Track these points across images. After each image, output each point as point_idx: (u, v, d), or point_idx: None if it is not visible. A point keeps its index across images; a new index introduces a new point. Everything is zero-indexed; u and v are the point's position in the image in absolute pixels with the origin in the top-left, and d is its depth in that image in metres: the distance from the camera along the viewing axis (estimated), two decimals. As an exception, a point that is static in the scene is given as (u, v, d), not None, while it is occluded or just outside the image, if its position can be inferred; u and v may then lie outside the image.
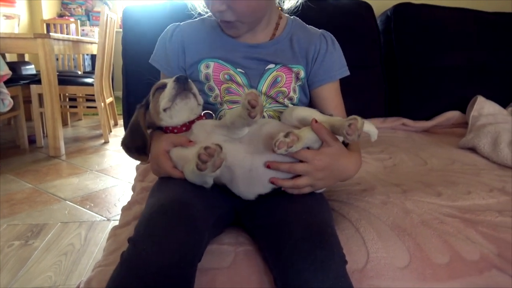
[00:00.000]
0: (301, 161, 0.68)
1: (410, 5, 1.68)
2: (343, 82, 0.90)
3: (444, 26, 1.67)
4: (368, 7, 1.61)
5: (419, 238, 0.71)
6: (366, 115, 1.56)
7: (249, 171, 0.68)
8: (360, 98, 1.51)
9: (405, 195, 0.86)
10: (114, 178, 2.30)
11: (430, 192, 0.88)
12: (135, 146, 0.74)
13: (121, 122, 3.75)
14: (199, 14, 0.92)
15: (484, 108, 1.46)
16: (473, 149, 1.26)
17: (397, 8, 1.67)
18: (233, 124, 0.66)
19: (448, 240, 0.71)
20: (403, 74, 1.63)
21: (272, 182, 0.68)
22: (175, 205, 0.59)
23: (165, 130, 0.76)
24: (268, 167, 0.68)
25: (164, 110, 0.72)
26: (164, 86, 0.74)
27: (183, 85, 0.71)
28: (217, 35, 0.85)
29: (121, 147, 0.77)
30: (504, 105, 1.51)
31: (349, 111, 0.91)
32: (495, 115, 1.42)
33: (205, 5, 0.84)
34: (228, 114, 0.66)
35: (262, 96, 0.84)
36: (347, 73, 0.89)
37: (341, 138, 0.71)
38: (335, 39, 0.90)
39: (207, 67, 0.84)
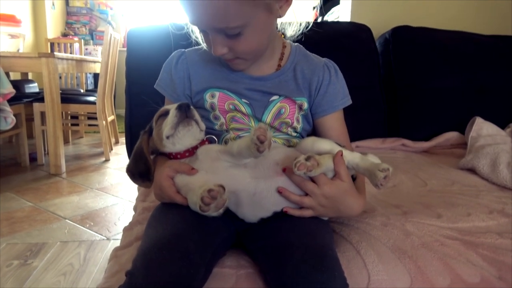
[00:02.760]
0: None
1: (408, 28, 1.71)
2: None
3: (442, 48, 1.70)
4: (367, 30, 1.65)
5: (420, 260, 0.71)
6: (365, 135, 1.60)
7: (253, 195, 0.69)
8: (360, 118, 1.53)
9: (405, 216, 0.86)
10: (114, 197, 2.30)
11: (430, 214, 0.89)
12: (139, 172, 0.75)
13: (122, 139, 3.77)
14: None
15: (483, 129, 1.47)
16: (472, 170, 1.26)
17: (395, 30, 1.71)
18: (240, 155, 0.67)
19: (449, 263, 0.71)
20: (402, 94, 1.65)
21: (279, 191, 0.69)
22: (172, 239, 0.60)
23: (168, 155, 0.77)
24: (279, 192, 0.70)
25: (167, 137, 0.74)
26: (167, 113, 0.75)
27: (185, 113, 0.72)
28: (222, 65, 0.87)
29: (126, 173, 0.78)
30: (502, 126, 1.53)
31: (349, 131, 0.93)
32: (493, 136, 1.44)
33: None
34: (236, 144, 0.67)
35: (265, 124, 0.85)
36: (350, 102, 0.91)
37: (352, 171, 0.74)
38: (338, 69, 0.91)
39: (213, 96, 0.85)
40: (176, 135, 0.73)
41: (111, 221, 1.95)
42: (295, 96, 0.86)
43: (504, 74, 1.72)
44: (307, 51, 0.94)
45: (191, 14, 0.71)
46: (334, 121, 0.90)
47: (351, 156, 0.72)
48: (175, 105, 0.73)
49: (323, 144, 0.75)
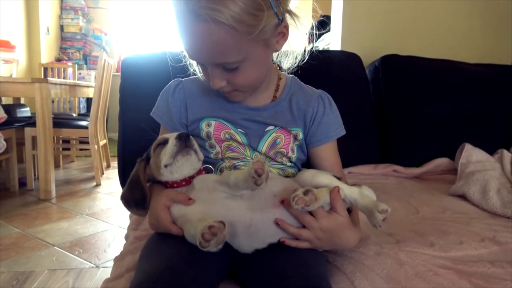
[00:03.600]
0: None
1: (396, 56, 1.76)
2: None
3: (430, 76, 1.74)
4: (357, 58, 1.69)
5: (414, 291, 0.71)
6: (357, 161, 1.60)
7: (249, 226, 0.69)
8: (352, 144, 1.53)
9: (399, 245, 0.86)
10: (105, 223, 2.27)
11: (423, 242, 0.89)
12: (134, 200, 0.75)
13: (114, 164, 3.74)
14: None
15: (472, 155, 1.50)
16: (463, 196, 1.27)
17: (384, 59, 1.75)
18: (237, 187, 0.67)
19: (442, 293, 0.71)
20: (393, 121, 1.68)
21: (277, 223, 0.69)
22: (166, 273, 0.59)
23: (164, 184, 0.77)
24: (277, 223, 0.70)
25: (165, 166, 0.74)
26: (165, 142, 0.75)
27: (184, 142, 0.73)
28: (218, 95, 0.88)
29: (120, 201, 0.77)
30: (490, 152, 1.55)
31: (341, 157, 0.94)
32: (483, 162, 1.46)
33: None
34: (233, 176, 0.68)
35: (261, 156, 0.86)
36: (343, 132, 0.92)
37: (348, 204, 0.75)
38: (332, 100, 0.93)
39: (209, 125, 0.86)
40: (174, 164, 0.73)
41: (101, 248, 1.91)
42: (290, 127, 0.87)
43: (491, 101, 1.77)
44: (302, 83, 0.96)
45: (190, 49, 0.73)
46: (328, 151, 0.91)
47: (350, 191, 0.73)
48: (175, 134, 0.74)
49: (322, 178, 0.75)
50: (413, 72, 1.74)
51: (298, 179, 0.79)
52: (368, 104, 1.65)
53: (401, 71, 1.73)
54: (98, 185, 3.09)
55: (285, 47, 0.87)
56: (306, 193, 0.66)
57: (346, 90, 1.60)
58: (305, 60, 0.95)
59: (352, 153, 1.55)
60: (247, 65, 0.74)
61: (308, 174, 0.78)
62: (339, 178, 0.79)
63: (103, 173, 3.42)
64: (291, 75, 0.95)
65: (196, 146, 0.76)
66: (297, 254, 0.69)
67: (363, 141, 1.61)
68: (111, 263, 1.70)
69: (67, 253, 1.85)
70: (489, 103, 1.76)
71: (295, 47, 0.90)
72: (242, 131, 0.86)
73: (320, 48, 2.50)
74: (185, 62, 0.91)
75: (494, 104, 1.77)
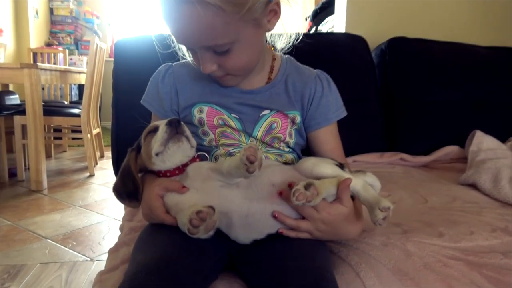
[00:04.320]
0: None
1: (404, 39, 1.74)
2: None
3: (439, 60, 1.73)
4: (362, 41, 1.67)
5: (422, 283, 0.70)
6: (362, 149, 1.60)
7: (246, 217, 0.68)
8: (357, 132, 1.53)
9: (406, 236, 0.86)
10: (99, 214, 2.27)
11: (432, 233, 0.88)
12: (127, 191, 0.74)
13: (108, 153, 3.74)
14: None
15: (483, 142, 1.49)
16: (473, 186, 1.27)
17: (391, 42, 1.73)
18: (230, 175, 0.67)
19: (452, 285, 0.71)
20: (400, 108, 1.67)
21: (274, 216, 0.69)
22: (161, 264, 0.59)
23: (157, 174, 0.76)
24: (274, 217, 0.69)
25: (157, 154, 0.73)
26: (155, 129, 0.75)
27: (175, 129, 0.72)
28: (210, 79, 0.87)
29: (113, 193, 0.76)
30: (502, 139, 1.54)
31: (346, 145, 0.94)
32: (494, 150, 1.45)
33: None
34: (226, 163, 0.67)
35: (257, 142, 0.85)
36: (344, 114, 0.91)
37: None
38: (331, 80, 0.92)
39: (201, 111, 0.85)
40: (166, 152, 0.73)
41: (95, 241, 1.92)
42: (287, 110, 0.86)
43: (503, 86, 1.75)
44: (299, 63, 0.94)
45: (177, 34, 0.72)
46: (328, 135, 0.90)
47: (353, 182, 0.72)
48: (165, 121, 0.73)
49: (324, 169, 0.74)
50: (422, 56, 1.72)
51: (298, 167, 0.78)
52: (374, 89, 1.63)
53: (409, 55, 1.71)
54: (91, 175, 3.10)
55: (279, 27, 0.86)
56: (307, 187, 0.65)
57: (351, 75, 1.58)
58: (299, 39, 0.93)
59: (357, 141, 1.55)
60: (238, 47, 0.73)
61: (309, 164, 0.77)
62: (341, 165, 0.78)
63: (96, 163, 3.42)
64: (286, 56, 0.94)
65: (187, 132, 0.75)
66: (298, 245, 0.68)
67: (368, 128, 1.60)
68: (105, 256, 1.70)
69: (60, 246, 1.86)
70: (502, 89, 1.75)
71: (290, 27, 0.89)
72: (236, 116, 0.85)
73: (324, 32, 2.47)
74: (173, 47, 0.90)
75: (507, 89, 1.75)
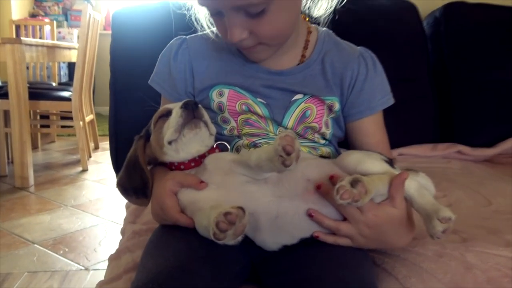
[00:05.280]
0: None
1: (463, 4, 1.71)
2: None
3: (505, 30, 1.69)
4: (412, 8, 1.65)
5: (485, 301, 0.70)
6: (411, 140, 1.59)
7: (275, 218, 0.69)
8: (405, 119, 1.52)
9: (465, 245, 0.85)
10: (94, 216, 2.32)
11: (497, 242, 0.88)
12: (133, 186, 0.76)
13: (103, 144, 3.80)
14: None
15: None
16: (549, 185, 1.25)
17: (447, 8, 1.70)
18: (260, 168, 0.67)
19: (522, 305, 0.70)
20: (457, 89, 1.65)
21: (310, 214, 0.69)
22: (175, 273, 0.60)
23: (169, 166, 0.78)
24: (310, 215, 0.69)
25: (170, 142, 0.74)
26: (168, 113, 0.75)
27: (192, 112, 0.73)
28: (232, 56, 0.87)
29: (117, 188, 0.78)
30: None
31: (390, 134, 0.93)
32: None
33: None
34: (255, 154, 0.67)
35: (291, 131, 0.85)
36: (391, 102, 0.91)
37: None
38: (377, 60, 0.91)
39: (221, 94, 0.86)
40: (180, 140, 0.73)
41: (90, 247, 1.97)
42: (323, 95, 0.86)
43: None
44: (339, 39, 0.94)
45: None
46: (372, 126, 0.90)
47: (406, 183, 0.72)
48: (180, 103, 0.74)
49: (372, 166, 0.74)
50: (485, 25, 1.69)
51: (339, 162, 0.78)
52: (425, 66, 1.62)
53: (469, 24, 1.68)
54: (84, 170, 3.16)
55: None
56: (354, 184, 0.65)
57: (398, 49, 1.57)
58: (343, 2, 0.92)
59: (405, 129, 1.54)
60: (274, 8, 0.73)
61: (352, 159, 0.77)
62: (391, 161, 0.78)
63: (90, 156, 3.48)
64: (324, 29, 0.93)
65: (206, 117, 0.75)
66: (336, 253, 0.69)
67: (418, 114, 1.59)
68: (102, 265, 1.75)
69: (50, 252, 1.91)
70: None
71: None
72: (263, 101, 0.85)
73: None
74: (189, 16, 0.90)
75: None
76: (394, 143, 0.96)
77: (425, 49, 1.63)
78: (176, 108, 0.74)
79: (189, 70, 0.89)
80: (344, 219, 0.70)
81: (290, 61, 0.88)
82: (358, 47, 0.93)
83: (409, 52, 1.60)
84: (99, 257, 1.87)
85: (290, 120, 0.85)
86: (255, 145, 0.84)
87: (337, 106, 0.87)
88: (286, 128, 0.85)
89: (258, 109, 0.85)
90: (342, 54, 0.89)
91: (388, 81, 0.92)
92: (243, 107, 0.85)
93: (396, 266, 0.77)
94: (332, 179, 0.69)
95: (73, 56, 3.50)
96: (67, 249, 1.93)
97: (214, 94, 0.86)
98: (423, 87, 1.60)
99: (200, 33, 0.92)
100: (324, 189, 0.69)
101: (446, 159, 1.52)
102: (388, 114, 0.94)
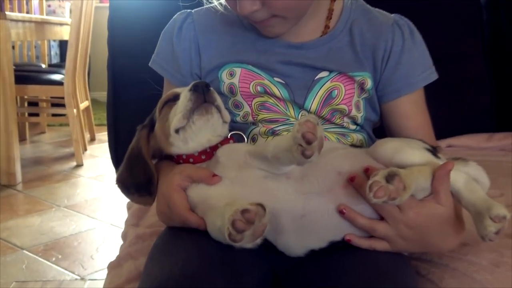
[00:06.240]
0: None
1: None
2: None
3: None
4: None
5: (551, 319, 0.69)
6: (461, 128, 1.57)
7: (301, 217, 0.69)
8: (453, 104, 1.51)
9: (527, 252, 0.84)
10: (90, 218, 2.34)
11: None
12: (136, 183, 0.76)
13: (100, 135, 3.83)
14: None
15: None
16: None
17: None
18: (277, 160, 0.67)
19: None
20: (518, 67, 1.62)
21: (341, 211, 0.69)
22: (184, 283, 0.60)
23: (176, 160, 0.78)
24: (341, 211, 0.69)
25: (177, 131, 0.74)
26: (176, 97, 0.76)
27: (202, 96, 0.73)
28: (245, 30, 0.88)
29: (117, 186, 0.79)
30: None
31: (437, 122, 0.93)
32: None
33: None
34: (271, 145, 0.67)
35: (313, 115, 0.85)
36: (434, 76, 0.90)
37: None
38: (415, 28, 0.91)
39: (232, 75, 0.86)
40: (189, 128, 0.74)
41: (86, 254, 1.99)
42: (352, 71, 0.86)
43: None
44: (368, 6, 0.93)
45: None
46: (412, 106, 0.89)
47: (452, 176, 0.71)
48: (189, 86, 0.74)
49: (411, 156, 0.73)
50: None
51: (373, 152, 0.77)
52: (479, 41, 1.59)
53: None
54: (79, 165, 3.20)
55: None
56: (389, 178, 0.64)
57: (446, 21, 1.55)
58: None
59: (455, 116, 1.53)
60: None
61: (388, 148, 0.76)
62: (435, 150, 0.77)
63: (85, 149, 3.52)
64: None
65: (219, 101, 0.76)
66: (373, 260, 0.68)
67: (471, 97, 1.57)
68: (100, 274, 1.78)
69: (40, 259, 1.93)
70: None
71: None
72: (281, 80, 0.85)
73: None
74: None
75: None
76: (442, 132, 0.95)
77: (479, 21, 1.60)
78: (184, 92, 0.75)
79: (195, 47, 0.90)
80: (381, 218, 0.70)
81: (312, 33, 0.88)
82: (392, 15, 0.92)
83: (459, 24, 1.57)
84: (96, 265, 1.89)
85: (314, 102, 0.85)
86: (273, 133, 0.84)
87: (369, 84, 0.87)
88: (309, 111, 0.86)
89: (275, 90, 0.85)
90: (373, 23, 0.89)
91: (430, 55, 0.91)
92: (258, 88, 0.85)
93: (445, 277, 0.76)
94: (368, 172, 0.69)
95: (65, 33, 3.53)
96: (60, 256, 1.96)
97: (224, 74, 0.87)
98: (476, 66, 1.57)
99: (207, 6, 0.93)
100: (359, 181, 0.69)
101: (504, 151, 1.50)
102: (433, 98, 0.93)
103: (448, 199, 0.69)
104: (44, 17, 3.73)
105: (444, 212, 0.69)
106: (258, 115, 0.86)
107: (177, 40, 0.91)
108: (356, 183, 0.69)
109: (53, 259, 1.94)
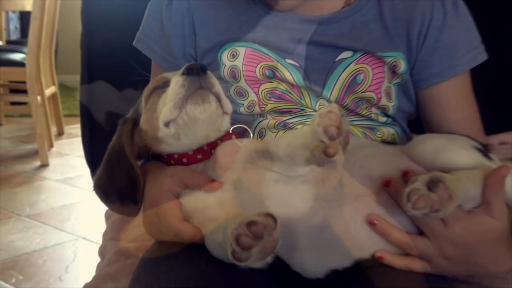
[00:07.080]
0: None
1: None
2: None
3: None
4: None
5: None
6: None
7: (321, 230, 0.69)
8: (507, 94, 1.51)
9: None
10: (58, 230, 2.35)
11: None
12: (117, 188, 0.77)
13: (70, 129, 3.83)
14: None
15: None
16: None
17: None
18: (292, 159, 0.67)
19: None
20: None
21: (371, 222, 0.69)
22: None
23: (167, 160, 0.79)
24: (372, 222, 0.69)
25: (167, 124, 0.74)
26: (166, 84, 0.76)
27: (198, 80, 0.73)
28: (250, 1, 0.88)
29: (95, 192, 0.79)
30: None
31: (489, 118, 0.94)
32: None
33: None
34: (284, 141, 0.68)
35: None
36: (482, 57, 0.90)
37: None
38: (459, 0, 0.90)
39: (234, 56, 0.87)
40: (182, 120, 0.74)
41: (53, 274, 2.00)
42: (382, 51, 0.86)
43: None
44: None
45: None
46: (454, 94, 0.90)
47: (508, 182, 0.70)
48: (182, 69, 0.74)
49: (457, 156, 0.74)
50: None
51: (410, 151, 0.78)
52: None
53: None
54: (44, 165, 3.20)
55: None
56: (432, 186, 0.64)
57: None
58: None
59: (507, 105, 1.51)
60: None
61: (429, 146, 0.77)
62: (485, 149, 0.77)
63: (52, 145, 3.52)
64: None
65: (218, 87, 0.75)
66: (410, 284, 0.69)
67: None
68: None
69: (-2, 280, 1.94)
70: None
71: None
72: (295, 62, 0.86)
73: None
74: None
75: None
76: (493, 127, 0.95)
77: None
78: (176, 76, 0.74)
79: (189, 23, 0.91)
80: (421, 232, 0.70)
81: (332, 4, 0.89)
82: None
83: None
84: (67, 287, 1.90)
85: (335, 88, 0.86)
86: (285, 127, 0.85)
87: (402, 66, 0.87)
88: (329, 100, 0.86)
89: (287, 75, 0.86)
90: None
91: (476, 30, 0.91)
92: (266, 72, 0.86)
93: (496, 304, 0.77)
94: (407, 176, 0.69)
95: (27, 2, 3.54)
96: (21, 277, 1.96)
97: (224, 55, 0.87)
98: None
99: None
100: (395, 187, 0.69)
101: None
102: (480, 85, 0.93)
103: (502, 211, 0.70)
104: (1, -17, 3.74)
105: (497, 227, 0.69)
106: (267, 105, 0.86)
107: (167, 13, 0.92)
108: (391, 190, 0.70)
109: (13, 280, 1.94)
